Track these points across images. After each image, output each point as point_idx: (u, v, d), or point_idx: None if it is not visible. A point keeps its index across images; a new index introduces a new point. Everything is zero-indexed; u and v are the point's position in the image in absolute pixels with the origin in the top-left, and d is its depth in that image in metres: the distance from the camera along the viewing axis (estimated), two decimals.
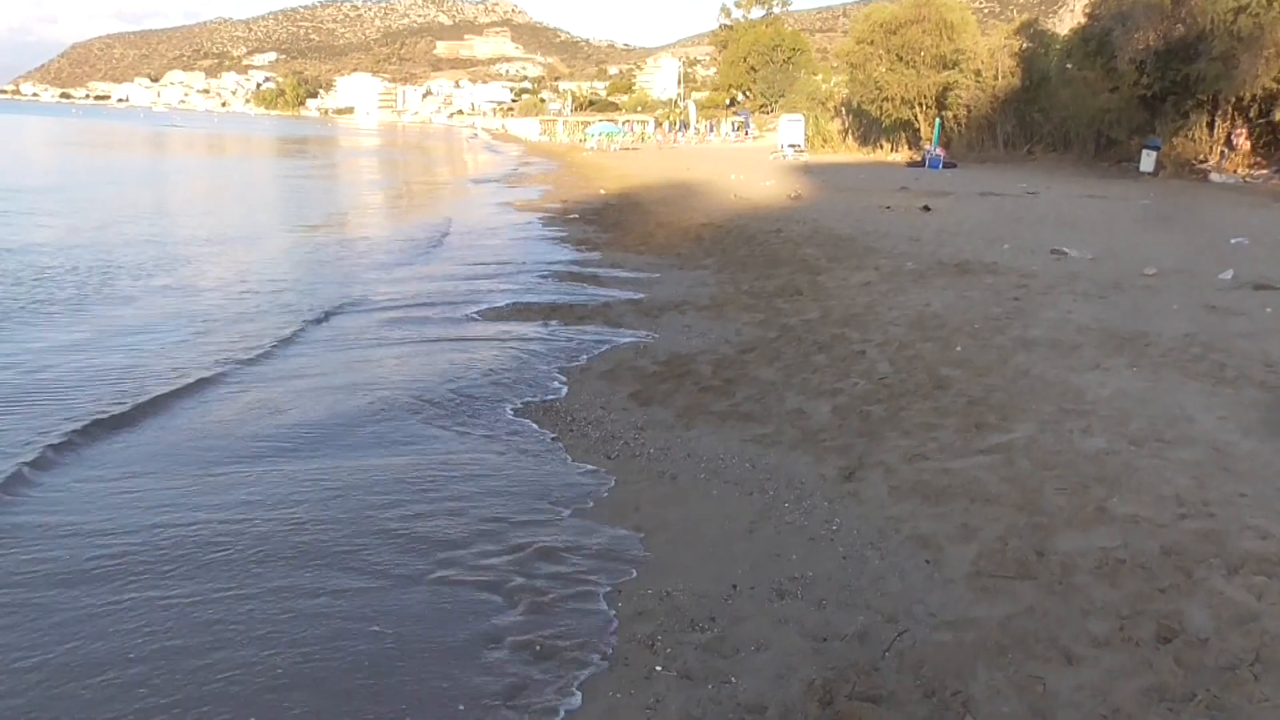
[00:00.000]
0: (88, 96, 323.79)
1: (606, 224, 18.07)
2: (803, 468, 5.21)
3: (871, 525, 4.41)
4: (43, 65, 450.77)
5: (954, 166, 35.14)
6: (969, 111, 41.15)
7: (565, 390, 6.75)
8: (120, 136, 66.96)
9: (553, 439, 5.76)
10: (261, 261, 12.93)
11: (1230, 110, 30.16)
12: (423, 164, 45.20)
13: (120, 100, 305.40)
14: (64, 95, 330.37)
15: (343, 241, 16.01)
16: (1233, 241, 14.52)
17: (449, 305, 9.76)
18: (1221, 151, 30.87)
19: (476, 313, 9.34)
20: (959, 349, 7.48)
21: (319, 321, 9.13)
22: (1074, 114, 35.98)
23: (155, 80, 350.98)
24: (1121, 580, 3.69)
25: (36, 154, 44.06)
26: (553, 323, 8.93)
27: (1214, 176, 29.21)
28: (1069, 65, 36.91)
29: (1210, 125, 30.94)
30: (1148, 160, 31.28)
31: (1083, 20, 37.26)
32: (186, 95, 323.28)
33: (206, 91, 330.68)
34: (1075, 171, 32.84)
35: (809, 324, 8.77)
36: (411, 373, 7.13)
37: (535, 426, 6.03)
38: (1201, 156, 31.20)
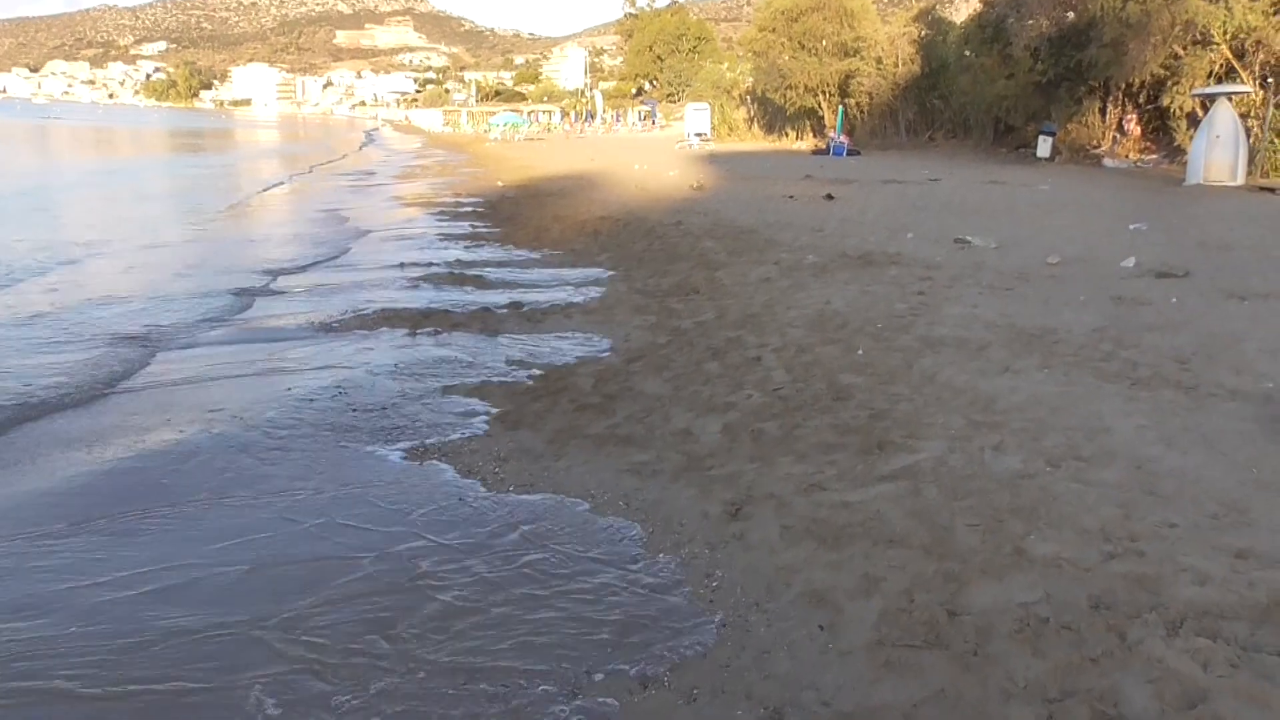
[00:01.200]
0: None
1: (500, 218, 17.19)
2: (685, 503, 4.53)
3: (759, 578, 3.75)
4: None
5: (858, 154, 35.16)
6: (871, 99, 41.31)
7: (419, 414, 5.93)
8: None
9: (388, 480, 4.94)
10: (96, 277, 11.61)
11: (1121, 96, 30.73)
12: (311, 157, 43.32)
13: None
14: None
15: (200, 243, 14.77)
16: (1131, 227, 14.45)
17: (310, 314, 8.79)
18: (1114, 137, 31.47)
19: (336, 321, 8.41)
20: (860, 352, 6.92)
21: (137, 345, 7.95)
22: (972, 100, 36.37)
23: (35, 70, 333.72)
24: (1046, 647, 3.09)
25: None
26: (423, 332, 8.08)
27: (1107, 161, 29.74)
28: (966, 52, 37.27)
29: (1103, 111, 31.51)
30: (1044, 146, 31.72)
31: (978, 7, 37.69)
32: (70, 86, 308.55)
33: (92, 82, 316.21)
34: (975, 157, 33.14)
35: (703, 326, 8.12)
36: (239, 401, 6.20)
37: (382, 457, 5.21)
38: (1095, 142, 31.78)
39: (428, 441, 5.38)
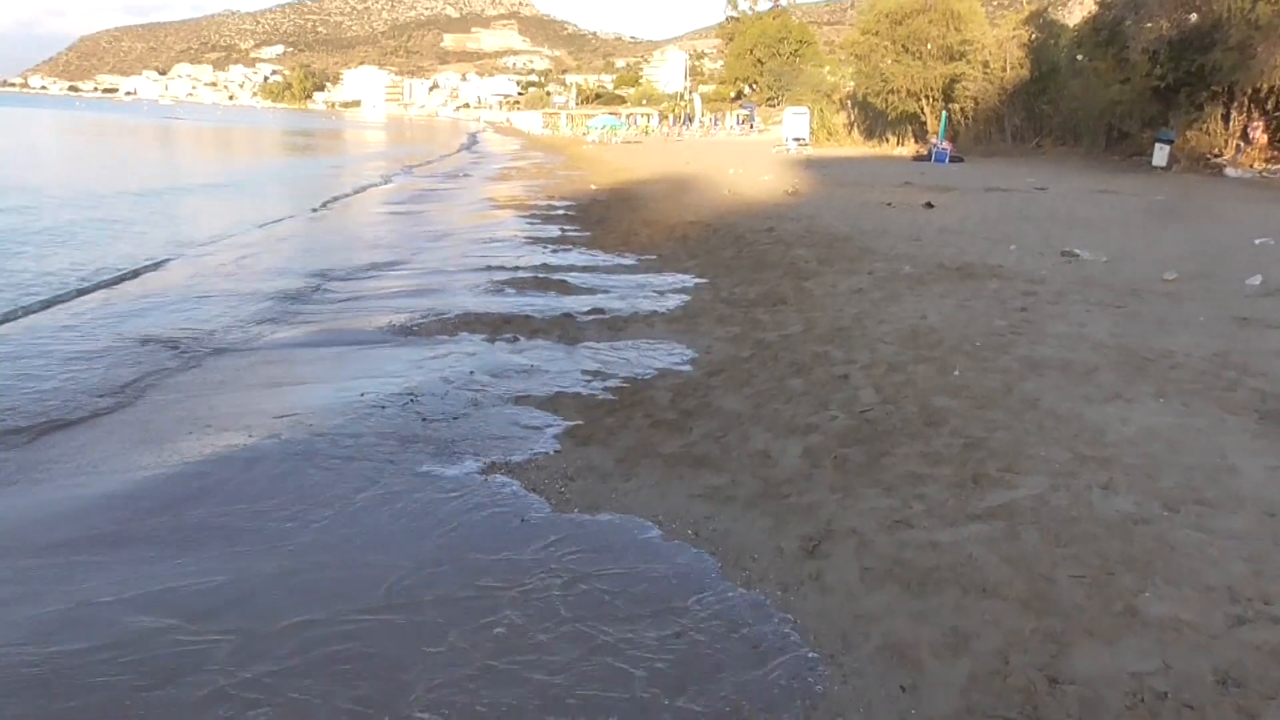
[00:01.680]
0: (95, 89, 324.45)
1: (590, 221, 17.07)
2: (758, 535, 4.23)
3: (835, 627, 3.44)
4: (51, 58, 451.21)
5: (960, 160, 34.06)
6: (976, 104, 40.02)
7: (488, 426, 5.76)
8: (113, 129, 66.01)
9: (450, 494, 4.76)
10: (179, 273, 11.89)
11: (1247, 102, 29.00)
12: (410, 157, 44.18)
13: (128, 93, 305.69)
14: (72, 88, 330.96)
15: (288, 240, 15.05)
16: (1257, 242, 13.48)
17: (392, 316, 8.74)
18: (1237, 145, 29.71)
19: (416, 324, 8.34)
20: (956, 373, 6.49)
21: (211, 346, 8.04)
22: (1084, 106, 34.85)
23: (163, 73, 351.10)
24: None
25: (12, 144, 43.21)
26: (502, 338, 7.94)
27: (1229, 171, 28.10)
28: (1079, 56, 35.74)
29: (1225, 118, 29.78)
30: (1160, 154, 30.17)
31: (1094, 9, 36.10)
32: (194, 88, 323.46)
33: (214, 84, 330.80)
34: (1085, 165, 31.71)
35: (789, 340, 7.77)
36: (311, 404, 6.12)
37: (440, 471, 5.04)
38: (1216, 150, 30.06)
39: (494, 456, 5.19)
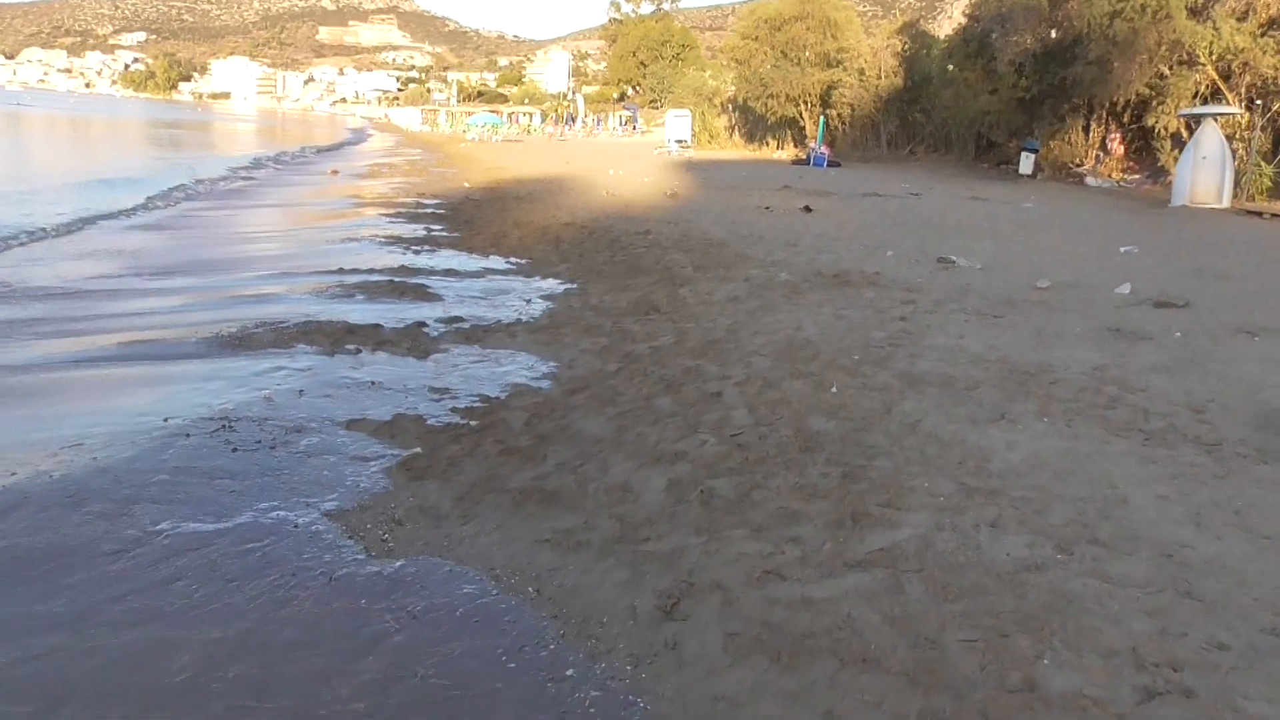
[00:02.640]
0: None
1: (459, 221, 16.23)
2: (610, 591, 3.64)
3: (692, 713, 2.87)
4: None
5: (838, 165, 34.48)
6: (853, 110, 40.71)
7: (309, 457, 4.99)
8: None
9: (249, 545, 4.00)
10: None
11: (1105, 115, 30.25)
12: (280, 152, 42.11)
13: None
14: None
15: (115, 235, 13.71)
16: (1122, 250, 13.74)
17: (223, 324, 7.79)
18: (1097, 155, 31.00)
19: (249, 335, 7.42)
20: (834, 390, 6.06)
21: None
22: (955, 115, 35.84)
23: (10, 57, 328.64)
24: None
25: None
26: (344, 351, 7.13)
27: (1090, 180, 29.25)
28: (950, 66, 36.73)
29: (1086, 129, 31.03)
30: (1026, 163, 31.22)
31: (963, 21, 37.15)
32: (46, 74, 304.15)
33: (69, 71, 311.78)
34: (957, 172, 32.56)
35: (659, 352, 7.23)
36: (102, 432, 5.22)
37: (238, 517, 4.26)
38: (1078, 160, 31.29)
39: (309, 495, 4.44)
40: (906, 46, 39.66)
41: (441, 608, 3.51)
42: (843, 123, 41.35)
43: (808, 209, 18.18)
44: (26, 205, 15.53)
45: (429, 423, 5.55)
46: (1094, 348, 7.53)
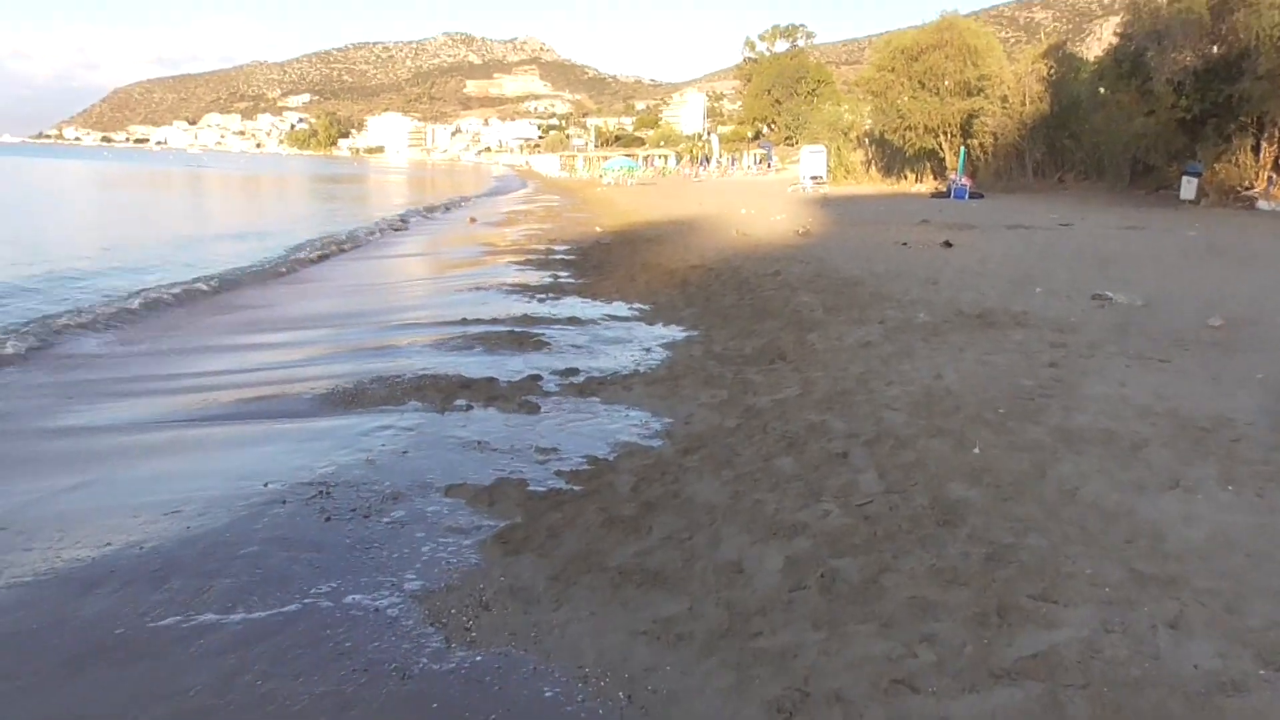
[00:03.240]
0: (128, 139, 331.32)
1: (587, 267, 16.15)
2: (712, 701, 3.17)
3: None
4: (85, 110, 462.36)
5: (980, 197, 33.09)
6: (995, 139, 39.12)
7: (403, 528, 4.74)
8: (133, 178, 66.25)
9: (324, 632, 3.73)
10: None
11: (1278, 133, 27.89)
12: (423, 201, 43.69)
13: (159, 143, 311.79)
14: (105, 139, 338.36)
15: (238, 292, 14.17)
16: None
17: (338, 380, 7.77)
18: (1269, 177, 28.57)
19: (362, 392, 7.33)
20: (977, 450, 5.42)
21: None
22: (1107, 139, 33.85)
23: (193, 123, 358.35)
24: None
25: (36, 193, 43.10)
26: (454, 407, 6.95)
27: (1261, 204, 26.94)
28: (1101, 89, 34.81)
29: (1256, 149, 28.68)
30: (1188, 187, 29.11)
31: (1114, 41, 35.20)
32: (223, 137, 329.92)
33: (242, 133, 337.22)
34: (1110, 200, 30.63)
35: (783, 406, 6.73)
36: (200, 499, 5.12)
37: (315, 600, 4.01)
38: (1247, 183, 28.92)
39: (395, 573, 4.16)
40: (1053, 70, 37.87)
41: (519, 717, 3.13)
42: (985, 152, 39.79)
43: (948, 243, 17.28)
44: (184, 253, 16.39)
45: (530, 488, 5.24)
46: None
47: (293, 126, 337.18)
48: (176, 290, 12.93)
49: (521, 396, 7.25)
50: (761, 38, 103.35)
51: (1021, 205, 28.80)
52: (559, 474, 5.50)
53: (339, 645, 3.53)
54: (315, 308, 12.58)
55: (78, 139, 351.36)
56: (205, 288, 13.38)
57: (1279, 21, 25.72)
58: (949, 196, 33.54)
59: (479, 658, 3.48)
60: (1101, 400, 6.49)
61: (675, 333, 10.05)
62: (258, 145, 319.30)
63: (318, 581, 4.07)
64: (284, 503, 4.98)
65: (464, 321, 10.47)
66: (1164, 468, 5.04)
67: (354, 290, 14.44)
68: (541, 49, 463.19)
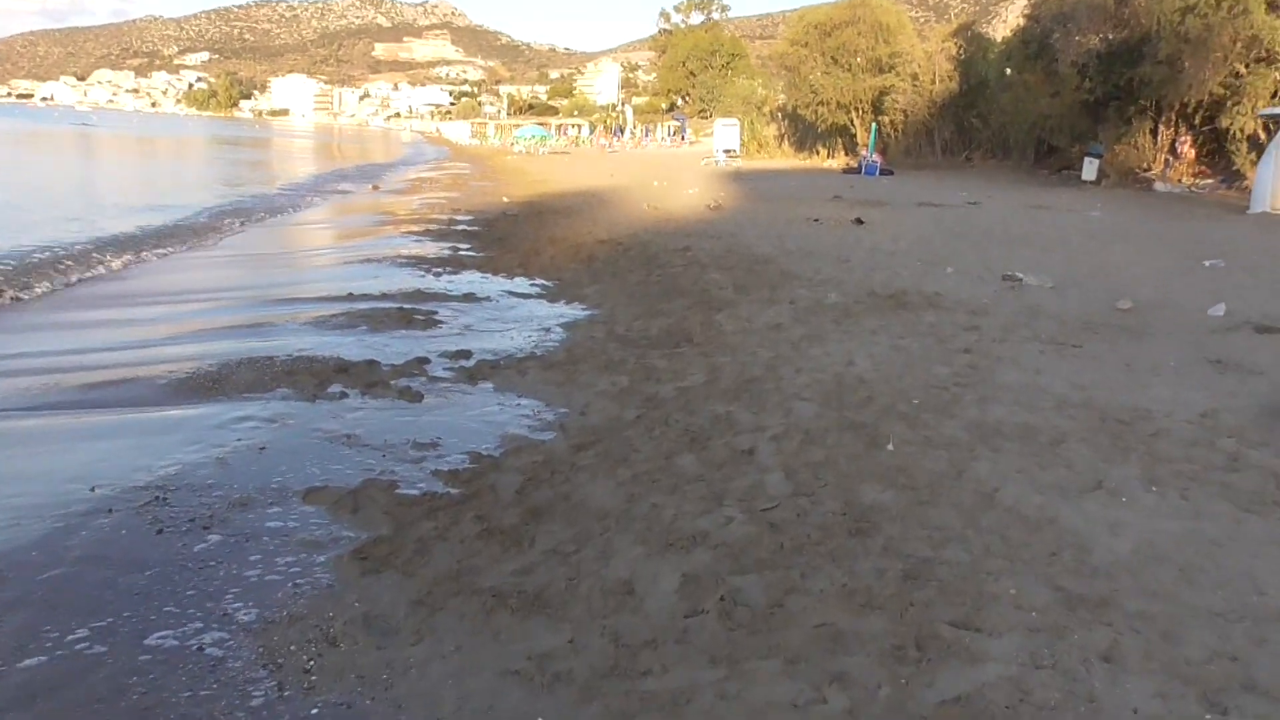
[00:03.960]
0: (9, 95, 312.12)
1: (490, 239, 15.44)
2: None
3: None
4: None
5: (891, 173, 33.27)
6: (906, 116, 39.40)
7: (247, 541, 4.13)
8: (10, 136, 62.11)
9: (132, 679, 3.12)
10: None
11: (1174, 117, 28.64)
12: (324, 166, 42.02)
13: (44, 99, 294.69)
14: None
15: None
16: (1207, 264, 12.48)
17: (198, 362, 7.00)
18: (1166, 160, 29.34)
19: (225, 374, 6.59)
20: (890, 447, 5.05)
21: None
22: (1014, 119, 34.35)
23: (82, 79, 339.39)
24: None
25: None
26: (327, 395, 6.29)
27: (1158, 186, 27.66)
28: (1008, 69, 35.28)
29: (1154, 132, 29.38)
30: (1090, 168, 29.73)
31: (1022, 22, 35.68)
32: (115, 95, 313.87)
33: (136, 91, 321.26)
34: (1016, 179, 31.10)
35: (687, 395, 6.28)
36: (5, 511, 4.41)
37: (130, 637, 3.40)
38: (1145, 165, 29.65)
39: (229, 600, 3.56)
40: (962, 50, 38.23)
41: None
42: (895, 129, 40.05)
43: (860, 221, 17.10)
44: (46, 229, 15.09)
45: (401, 491, 4.66)
46: (1197, 386, 6.42)
47: (190, 86, 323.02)
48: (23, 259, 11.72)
49: (404, 382, 6.63)
50: (677, 9, 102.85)
51: (931, 183, 28.98)
52: (436, 474, 4.93)
53: (143, 700, 2.92)
54: (186, 280, 11.64)
55: None
56: (60, 256, 12.11)
57: (1178, 7, 26.25)
58: (860, 173, 33.62)
59: (315, 710, 2.92)
60: (1017, 390, 6.21)
61: (578, 311, 9.51)
62: (153, 105, 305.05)
63: (133, 613, 3.43)
64: (110, 511, 4.30)
65: (350, 297, 9.73)
66: (1085, 467, 4.74)
67: (233, 262, 13.45)
68: (453, 14, 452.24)
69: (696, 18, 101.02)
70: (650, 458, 5.11)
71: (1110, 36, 29.01)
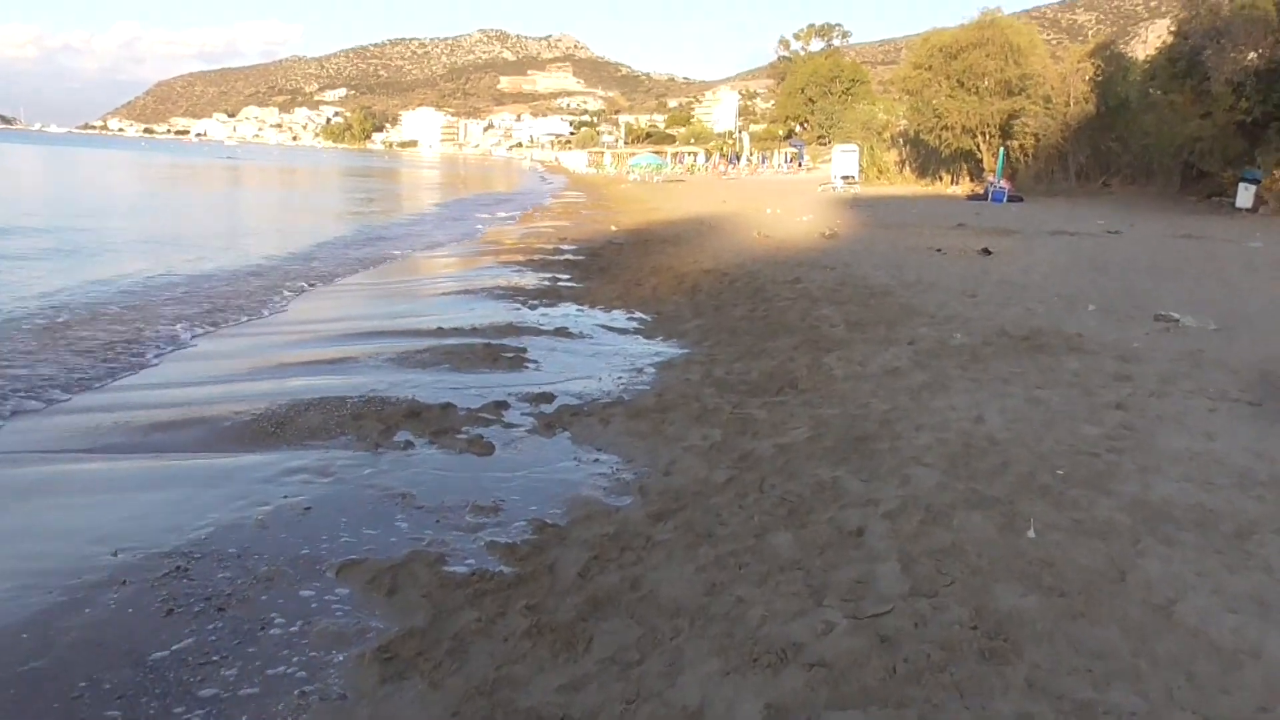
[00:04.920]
0: (169, 131, 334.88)
1: (592, 270, 14.94)
2: None
3: None
4: (129, 102, 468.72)
5: (1020, 200, 31.53)
6: (1037, 140, 37.44)
7: (260, 628, 3.56)
8: (161, 169, 65.85)
9: None
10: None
11: None
12: (443, 196, 42.74)
13: (198, 135, 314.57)
14: (147, 130, 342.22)
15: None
16: None
17: (267, 405, 6.59)
18: None
19: (290, 418, 6.15)
20: (1032, 533, 4.16)
21: None
22: (1158, 142, 32.08)
23: (231, 115, 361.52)
24: None
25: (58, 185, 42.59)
26: (391, 444, 5.77)
27: None
28: (1152, 89, 33.07)
29: None
30: (1245, 195, 27.38)
31: (1168, 40, 33.43)
32: (260, 130, 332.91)
33: (279, 126, 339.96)
34: (1159, 206, 28.95)
35: (787, 454, 5.49)
36: (34, 568, 3.99)
37: None
38: None
39: (220, 715, 2.98)
40: (1100, 70, 36.11)
41: None
42: (1025, 154, 38.13)
43: (987, 251, 15.91)
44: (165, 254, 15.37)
45: (448, 568, 4.04)
46: None
47: (328, 120, 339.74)
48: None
49: (476, 431, 6.06)
50: (796, 36, 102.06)
51: (1064, 210, 27.25)
52: (491, 547, 4.29)
53: None
54: (281, 311, 11.44)
55: (121, 130, 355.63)
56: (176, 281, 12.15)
57: None
58: (986, 199, 31.99)
59: None
60: (1186, 459, 5.19)
61: (674, 350, 8.82)
62: (294, 138, 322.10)
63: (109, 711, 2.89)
64: (124, 583, 3.82)
65: (439, 332, 9.29)
66: None
67: (328, 294, 13.27)
68: (576, 46, 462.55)
69: (816, 44, 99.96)
70: (738, 534, 4.35)
71: (1271, 52, 26.79)
